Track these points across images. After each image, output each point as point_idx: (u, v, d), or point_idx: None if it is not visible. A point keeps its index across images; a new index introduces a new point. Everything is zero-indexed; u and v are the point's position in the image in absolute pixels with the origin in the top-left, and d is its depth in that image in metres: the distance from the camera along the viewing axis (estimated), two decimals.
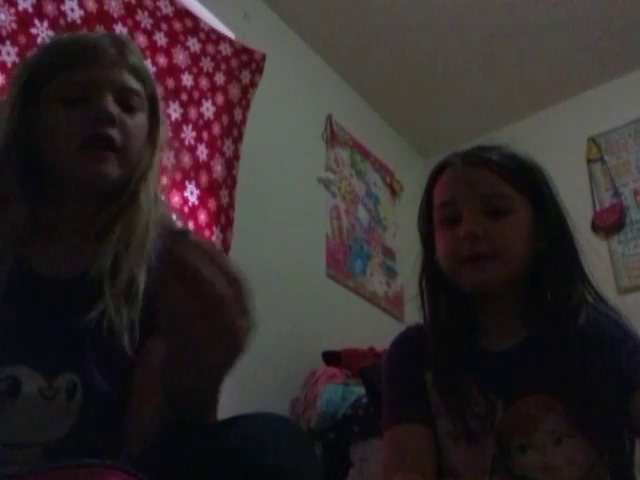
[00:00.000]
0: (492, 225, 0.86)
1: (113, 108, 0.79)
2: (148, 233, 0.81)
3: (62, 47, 0.83)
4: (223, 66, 2.20)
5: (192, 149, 2.02)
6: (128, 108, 0.82)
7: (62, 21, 1.70)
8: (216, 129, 2.13)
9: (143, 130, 0.85)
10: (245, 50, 2.30)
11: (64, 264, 0.80)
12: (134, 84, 0.83)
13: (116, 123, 0.79)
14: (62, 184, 0.82)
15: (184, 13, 2.09)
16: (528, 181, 0.90)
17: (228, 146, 2.16)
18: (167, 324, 0.57)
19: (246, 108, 2.27)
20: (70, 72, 0.80)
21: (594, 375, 0.81)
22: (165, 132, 0.91)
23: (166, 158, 1.89)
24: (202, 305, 0.53)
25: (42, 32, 1.64)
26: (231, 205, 2.11)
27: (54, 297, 0.77)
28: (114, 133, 0.79)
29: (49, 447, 0.70)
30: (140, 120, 0.84)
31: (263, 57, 2.35)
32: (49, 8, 1.67)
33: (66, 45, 0.83)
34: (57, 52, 0.83)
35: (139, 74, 0.85)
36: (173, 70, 2.01)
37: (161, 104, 0.90)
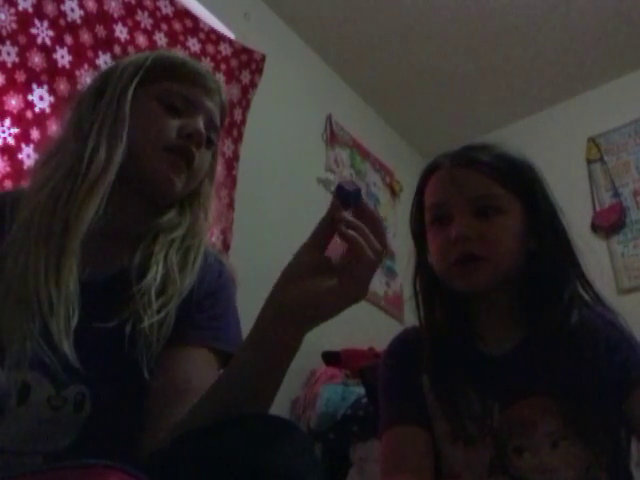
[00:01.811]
0: (482, 226, 0.85)
1: (204, 132, 0.83)
2: (197, 262, 0.81)
3: (178, 61, 0.87)
4: (223, 66, 2.21)
5: None
6: (207, 139, 0.86)
7: (62, 21, 1.70)
8: None
9: (207, 165, 0.88)
10: (245, 50, 2.30)
11: (98, 266, 0.78)
12: (218, 122, 0.88)
13: (201, 147, 0.83)
14: (127, 181, 0.80)
15: (184, 13, 2.09)
16: (519, 180, 0.89)
17: (228, 146, 2.16)
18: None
19: (246, 108, 2.27)
20: (177, 84, 0.83)
21: (590, 377, 0.81)
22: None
23: None
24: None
25: (42, 32, 1.64)
26: (231, 205, 2.11)
27: (83, 299, 0.73)
28: (197, 155, 0.83)
29: (50, 457, 0.69)
30: (208, 156, 0.88)
31: (263, 57, 2.35)
32: (49, 8, 1.67)
33: (184, 62, 0.87)
34: (172, 63, 0.86)
35: (222, 115, 0.90)
36: None
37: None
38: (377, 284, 2.91)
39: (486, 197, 0.87)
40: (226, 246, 2.03)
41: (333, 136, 2.87)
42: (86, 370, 0.70)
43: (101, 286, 0.77)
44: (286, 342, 0.60)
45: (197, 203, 0.88)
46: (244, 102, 2.27)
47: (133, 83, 0.82)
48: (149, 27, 1.96)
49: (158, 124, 0.81)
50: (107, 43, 1.81)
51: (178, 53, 0.94)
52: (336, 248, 0.57)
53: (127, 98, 0.81)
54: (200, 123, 0.83)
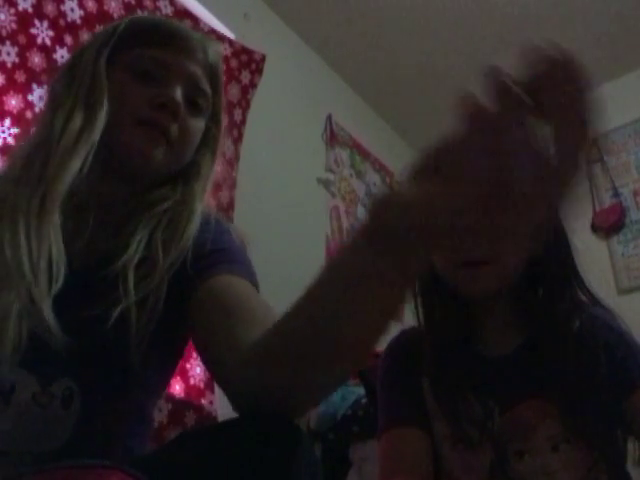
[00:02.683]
0: None
1: (180, 99, 0.76)
2: (187, 245, 0.74)
3: (152, 24, 0.80)
4: (223, 66, 2.20)
5: None
6: (193, 106, 0.79)
7: (62, 21, 1.69)
8: None
9: (200, 133, 0.82)
10: (245, 50, 2.30)
11: (85, 250, 0.73)
12: (206, 85, 0.81)
13: (178, 117, 0.76)
14: (108, 157, 0.76)
15: (184, 13, 2.09)
16: None
17: (228, 146, 2.16)
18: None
19: (246, 108, 2.27)
20: (153, 48, 0.77)
21: (590, 380, 0.81)
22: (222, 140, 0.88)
23: None
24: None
25: (42, 32, 1.63)
26: (231, 205, 2.11)
27: (64, 286, 0.67)
28: (173, 127, 0.76)
29: (41, 459, 0.64)
30: (199, 123, 0.81)
31: (263, 57, 2.35)
32: (49, 8, 1.67)
33: (157, 24, 0.80)
34: (147, 26, 0.80)
35: (213, 77, 0.82)
36: None
37: (223, 109, 0.87)
38: None
39: None
40: None
41: (333, 136, 2.87)
42: (73, 359, 0.65)
43: (87, 271, 0.72)
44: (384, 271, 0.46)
45: (194, 177, 0.82)
46: (244, 102, 2.27)
47: (105, 51, 0.77)
48: None
49: (128, 95, 0.75)
50: None
51: (155, 16, 0.87)
52: None
53: (100, 64, 0.76)
54: (176, 90, 0.76)
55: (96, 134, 0.72)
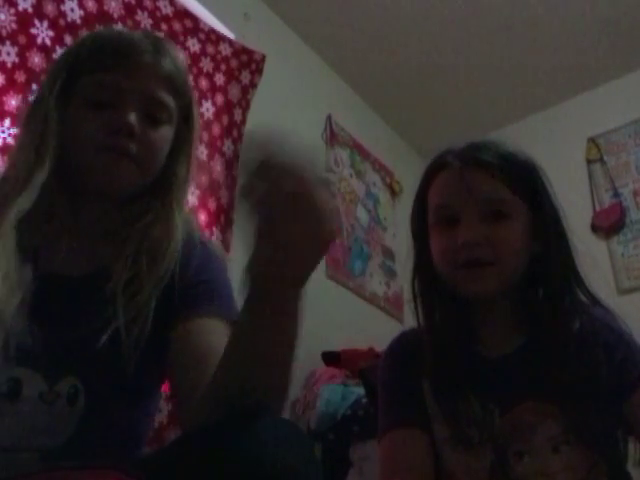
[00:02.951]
0: (490, 231, 0.84)
1: (134, 121, 0.78)
2: (175, 256, 0.79)
3: (100, 45, 0.81)
4: (223, 66, 2.20)
5: None
6: (154, 120, 0.81)
7: (62, 21, 1.69)
8: (216, 129, 2.13)
9: (166, 142, 0.84)
10: (245, 50, 2.30)
11: (74, 267, 0.78)
12: (164, 96, 0.82)
13: (135, 136, 0.79)
14: (81, 185, 0.81)
15: (184, 13, 2.09)
16: (526, 182, 0.88)
17: (228, 146, 2.16)
18: (262, 228, 0.57)
19: (246, 108, 2.27)
20: (103, 74, 0.79)
21: (590, 381, 0.81)
22: (197, 142, 0.91)
23: None
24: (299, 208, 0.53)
25: (42, 32, 1.63)
26: (231, 205, 2.11)
27: (62, 299, 0.75)
28: (131, 146, 0.78)
29: (47, 454, 0.68)
30: (164, 133, 0.83)
31: (263, 57, 2.35)
32: (49, 8, 1.67)
33: (104, 44, 0.81)
34: (95, 50, 0.81)
35: (172, 85, 0.83)
36: None
37: (196, 113, 0.89)
38: (377, 284, 2.91)
39: (495, 201, 0.85)
40: (226, 246, 2.03)
41: (333, 136, 2.87)
42: (76, 360, 0.71)
43: (79, 282, 0.77)
44: (274, 304, 0.59)
45: (171, 184, 0.84)
46: (244, 102, 2.27)
47: (55, 88, 0.80)
48: (149, 27, 1.95)
49: (84, 126, 0.78)
50: None
51: (105, 35, 0.87)
52: None
53: (50, 106, 0.79)
54: (128, 113, 0.78)
55: (44, 175, 0.77)
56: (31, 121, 0.81)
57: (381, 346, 1.09)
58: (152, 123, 0.81)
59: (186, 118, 0.87)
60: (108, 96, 0.79)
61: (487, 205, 0.85)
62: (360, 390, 1.96)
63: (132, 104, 0.79)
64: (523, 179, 0.88)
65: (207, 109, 2.11)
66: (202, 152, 2.06)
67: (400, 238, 3.11)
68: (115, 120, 0.78)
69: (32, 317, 0.71)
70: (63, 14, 1.71)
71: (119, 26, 1.86)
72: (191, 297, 0.78)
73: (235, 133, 2.20)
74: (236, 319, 0.74)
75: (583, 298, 0.89)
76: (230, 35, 2.32)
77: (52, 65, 0.86)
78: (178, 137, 0.86)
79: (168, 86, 0.82)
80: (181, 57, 0.86)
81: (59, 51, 1.65)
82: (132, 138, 0.78)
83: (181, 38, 2.06)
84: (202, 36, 2.14)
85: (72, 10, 1.73)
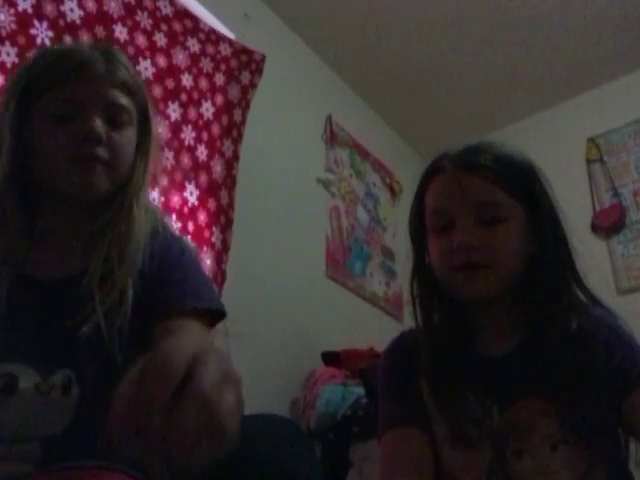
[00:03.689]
0: (486, 234, 0.84)
1: (100, 127, 0.82)
2: (140, 246, 0.83)
3: (53, 63, 0.84)
4: (223, 66, 2.20)
5: (192, 149, 2.02)
6: (116, 124, 0.85)
7: (62, 22, 1.70)
8: (216, 129, 2.13)
9: (132, 143, 0.88)
10: (245, 50, 2.30)
11: (58, 268, 0.82)
12: (123, 100, 0.86)
13: (103, 142, 0.82)
14: (56, 193, 0.84)
15: (184, 13, 2.09)
16: (522, 184, 0.88)
17: (228, 146, 2.16)
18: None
19: (246, 109, 2.27)
20: (61, 89, 0.82)
21: (588, 380, 0.81)
22: (157, 142, 0.94)
23: (165, 158, 1.89)
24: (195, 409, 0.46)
25: (42, 33, 1.64)
26: (231, 205, 2.11)
27: (48, 299, 0.79)
28: (100, 151, 0.82)
29: (46, 442, 0.71)
30: (128, 134, 0.87)
31: (263, 58, 2.35)
32: (49, 9, 1.67)
33: (57, 61, 0.85)
34: (48, 68, 0.84)
35: (128, 89, 0.87)
36: (173, 70, 2.01)
37: (152, 115, 0.92)
38: (377, 284, 2.91)
39: (491, 205, 0.85)
40: (226, 246, 2.03)
41: (333, 136, 2.87)
42: (69, 352, 0.75)
43: (59, 283, 0.81)
44: None
45: (129, 184, 0.88)
46: (244, 102, 2.27)
47: (12, 106, 0.83)
48: (149, 27, 1.96)
49: (53, 140, 0.81)
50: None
51: (55, 50, 0.91)
52: None
53: (12, 125, 0.82)
54: (93, 120, 0.82)
55: (9, 188, 0.81)
56: None
57: (381, 346, 1.09)
58: (115, 127, 0.84)
59: (144, 120, 0.91)
60: (69, 109, 0.82)
61: (482, 208, 0.85)
62: (360, 390, 1.96)
63: (94, 112, 0.82)
64: (520, 181, 0.88)
65: (207, 109, 2.11)
66: (202, 152, 2.06)
67: (400, 238, 3.11)
68: (81, 129, 0.81)
69: (23, 318, 0.76)
70: (63, 14, 1.71)
71: (118, 27, 1.86)
72: (164, 295, 0.81)
73: (235, 133, 2.20)
74: (217, 307, 0.80)
75: (582, 298, 0.89)
76: (230, 35, 2.32)
77: (8, 85, 0.88)
78: (137, 137, 0.90)
79: (124, 90, 0.86)
80: (129, 63, 0.90)
81: None
82: (100, 144, 0.82)
83: (181, 38, 2.06)
84: (202, 36, 2.14)
85: (72, 10, 1.73)
